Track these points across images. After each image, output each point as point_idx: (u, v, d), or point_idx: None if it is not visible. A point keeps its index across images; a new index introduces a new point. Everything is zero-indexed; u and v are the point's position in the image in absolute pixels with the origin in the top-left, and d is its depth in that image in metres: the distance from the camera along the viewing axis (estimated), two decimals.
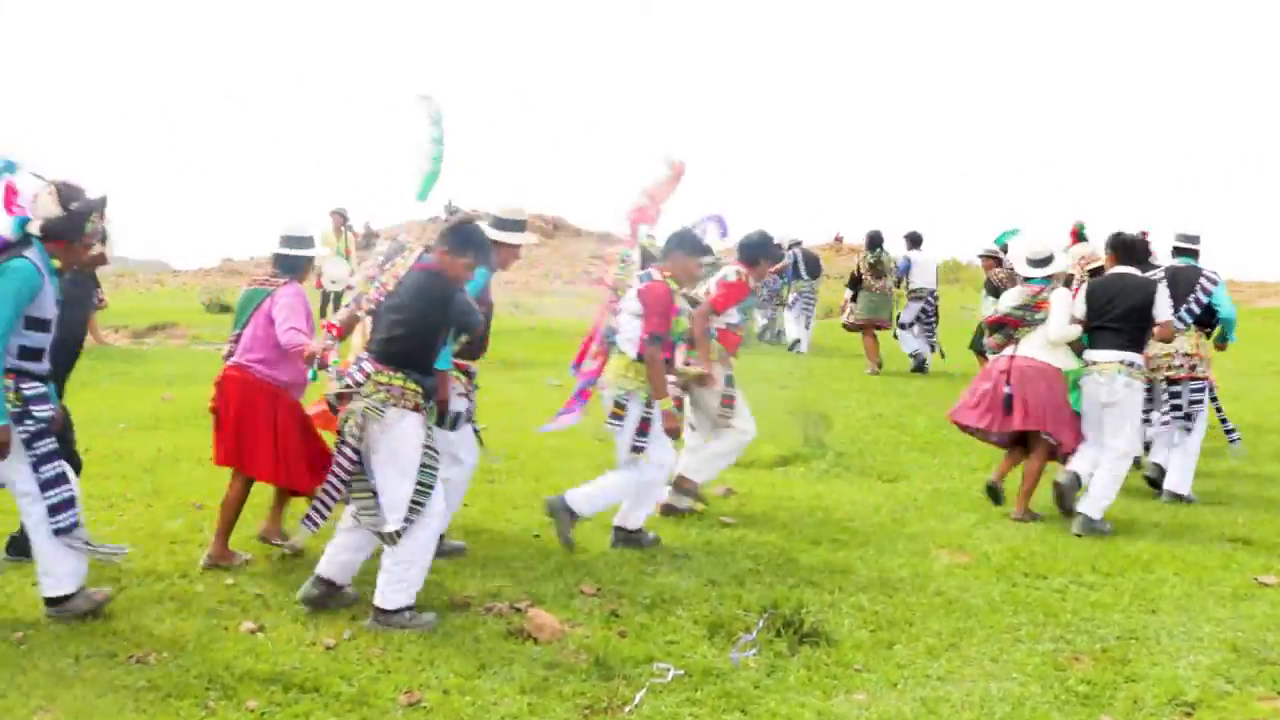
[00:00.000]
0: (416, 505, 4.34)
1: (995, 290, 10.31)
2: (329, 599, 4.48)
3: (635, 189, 6.18)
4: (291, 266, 5.32)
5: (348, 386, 4.34)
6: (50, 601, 4.25)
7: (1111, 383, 6.18)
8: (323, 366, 4.84)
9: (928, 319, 13.58)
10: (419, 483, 4.36)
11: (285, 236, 5.33)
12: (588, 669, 3.97)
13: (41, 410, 4.22)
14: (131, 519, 5.97)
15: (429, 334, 4.42)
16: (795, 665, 4.07)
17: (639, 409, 5.53)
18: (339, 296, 15.27)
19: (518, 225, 5.58)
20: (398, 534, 4.29)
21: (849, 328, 14.05)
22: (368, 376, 4.32)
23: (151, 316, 19.67)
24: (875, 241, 13.44)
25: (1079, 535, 6.07)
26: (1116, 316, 6.24)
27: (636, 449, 5.54)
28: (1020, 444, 6.76)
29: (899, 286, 13.79)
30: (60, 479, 4.26)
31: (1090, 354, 6.34)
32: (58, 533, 4.20)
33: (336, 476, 4.38)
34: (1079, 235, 9.21)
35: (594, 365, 5.87)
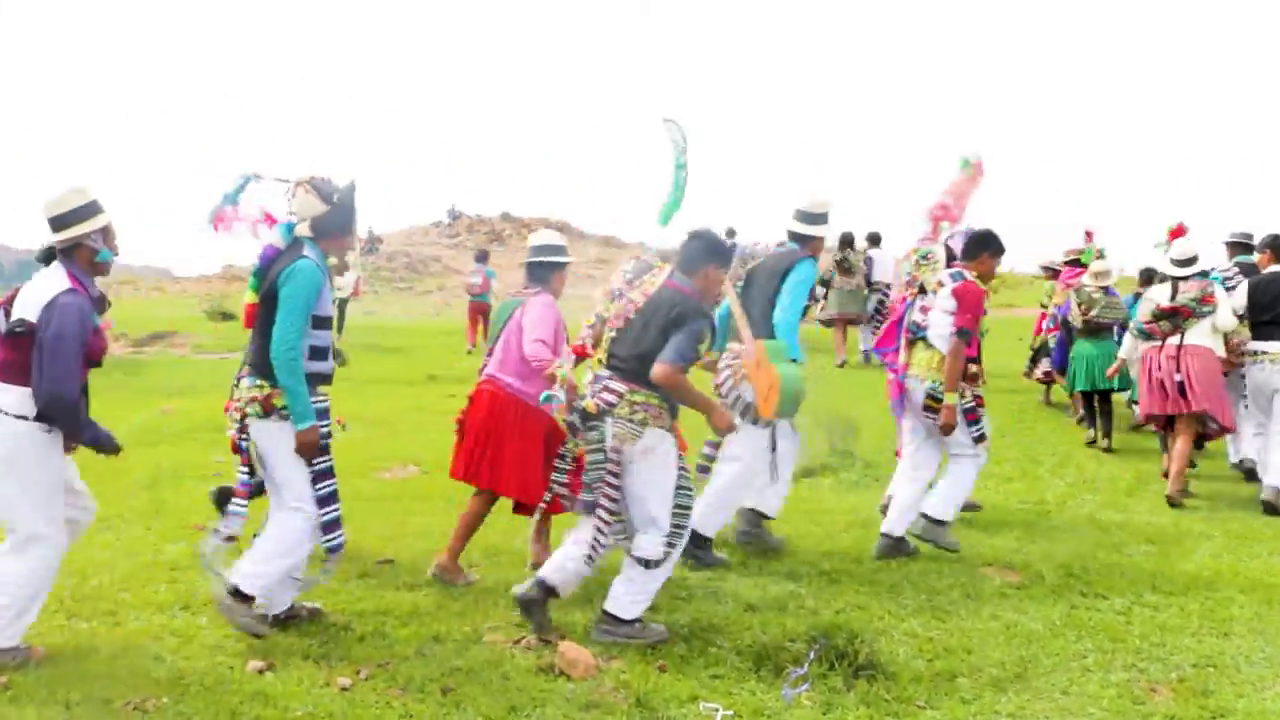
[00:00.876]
0: (678, 529, 4.30)
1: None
2: (542, 606, 4.27)
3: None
4: (542, 277, 5.14)
5: (584, 410, 4.24)
6: (238, 594, 4.08)
7: None
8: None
9: (881, 311, 13.61)
10: (678, 505, 4.30)
11: (536, 246, 5.23)
12: (629, 710, 3.63)
13: (324, 425, 4.22)
14: (130, 542, 5.65)
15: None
16: (853, 702, 3.73)
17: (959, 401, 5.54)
18: (344, 304, 15.03)
19: (821, 218, 5.65)
20: (658, 561, 4.23)
21: (823, 323, 14.43)
22: (620, 396, 4.20)
23: (151, 325, 19.38)
24: (845, 242, 13.92)
25: None
26: None
27: (979, 438, 5.66)
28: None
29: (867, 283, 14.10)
30: (333, 497, 4.25)
31: (1258, 344, 7.13)
32: (331, 550, 4.26)
33: (605, 509, 4.22)
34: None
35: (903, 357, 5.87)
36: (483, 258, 17.67)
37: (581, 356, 4.59)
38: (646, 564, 4.22)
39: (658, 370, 4.08)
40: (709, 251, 4.43)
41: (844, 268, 13.87)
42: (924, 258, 5.93)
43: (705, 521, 5.29)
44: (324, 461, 4.22)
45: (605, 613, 4.26)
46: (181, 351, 17.35)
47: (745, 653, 4.13)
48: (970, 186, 6.15)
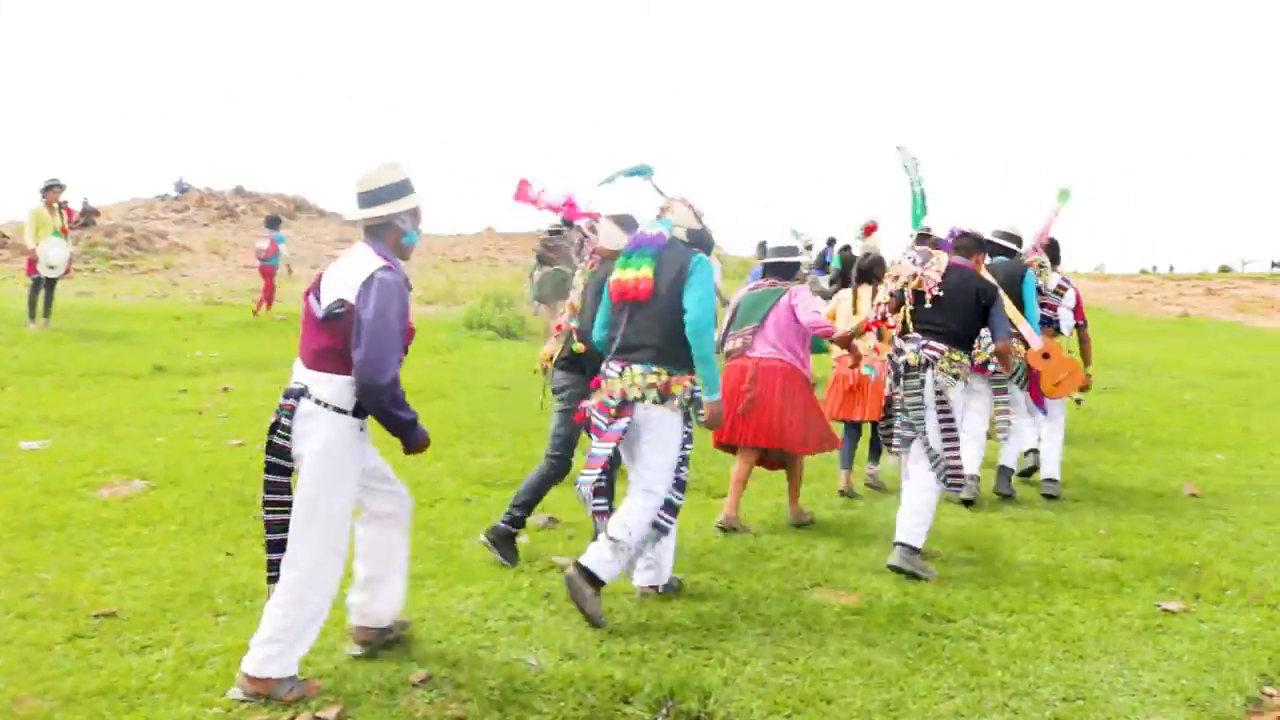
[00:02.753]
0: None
1: None
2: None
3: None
4: (785, 273, 6.26)
5: (906, 362, 5.42)
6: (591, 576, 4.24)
7: None
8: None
9: None
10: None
11: (776, 247, 6.38)
12: None
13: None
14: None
15: (974, 320, 5.59)
16: None
17: None
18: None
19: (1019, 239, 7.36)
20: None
21: None
22: (941, 354, 5.43)
23: None
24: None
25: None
26: None
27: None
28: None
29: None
30: (684, 485, 4.58)
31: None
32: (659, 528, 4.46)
33: (929, 441, 5.33)
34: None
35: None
36: (273, 223, 16.96)
37: (876, 328, 5.91)
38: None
39: (1001, 343, 5.75)
40: (979, 245, 6.02)
41: None
42: (1041, 266, 7.31)
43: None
44: (690, 449, 4.56)
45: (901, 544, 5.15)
46: None
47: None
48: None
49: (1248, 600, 4.94)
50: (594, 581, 4.21)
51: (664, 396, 4.33)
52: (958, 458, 5.34)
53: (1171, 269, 49.28)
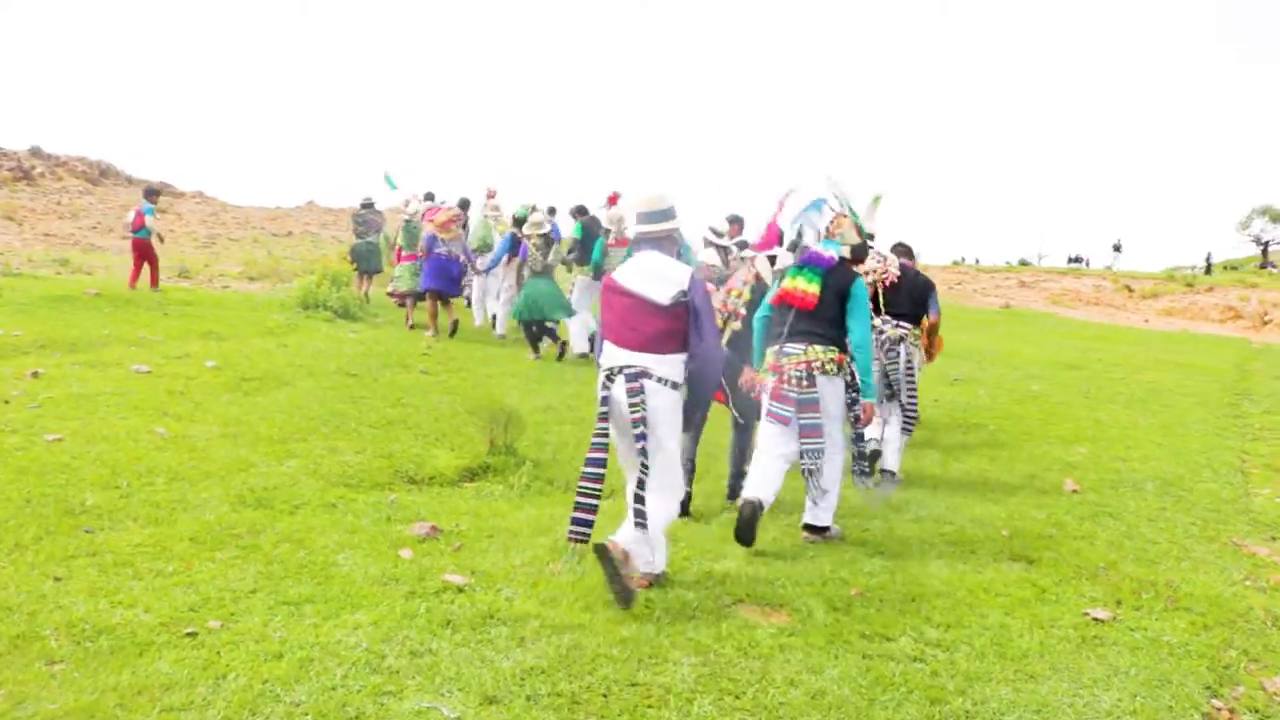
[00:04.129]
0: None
1: None
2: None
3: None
4: None
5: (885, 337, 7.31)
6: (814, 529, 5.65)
7: None
8: None
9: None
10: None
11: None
12: None
13: None
14: None
15: (923, 305, 7.52)
16: None
17: None
18: None
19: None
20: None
21: None
22: (909, 330, 7.41)
23: None
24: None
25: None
26: None
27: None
28: None
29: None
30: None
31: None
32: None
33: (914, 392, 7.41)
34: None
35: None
36: (148, 195, 15.42)
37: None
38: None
39: (937, 317, 7.57)
40: (910, 252, 7.74)
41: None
42: None
43: None
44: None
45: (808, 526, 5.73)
46: None
47: None
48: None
49: (1165, 605, 4.83)
50: (818, 530, 5.68)
51: (839, 368, 5.58)
52: (916, 407, 7.38)
53: (978, 262, 51.82)
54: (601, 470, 4.37)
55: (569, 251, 12.42)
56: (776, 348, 5.64)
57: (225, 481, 5.78)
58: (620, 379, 4.45)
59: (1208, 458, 8.75)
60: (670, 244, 4.73)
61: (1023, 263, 59.00)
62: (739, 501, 5.32)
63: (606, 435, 4.45)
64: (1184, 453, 8.93)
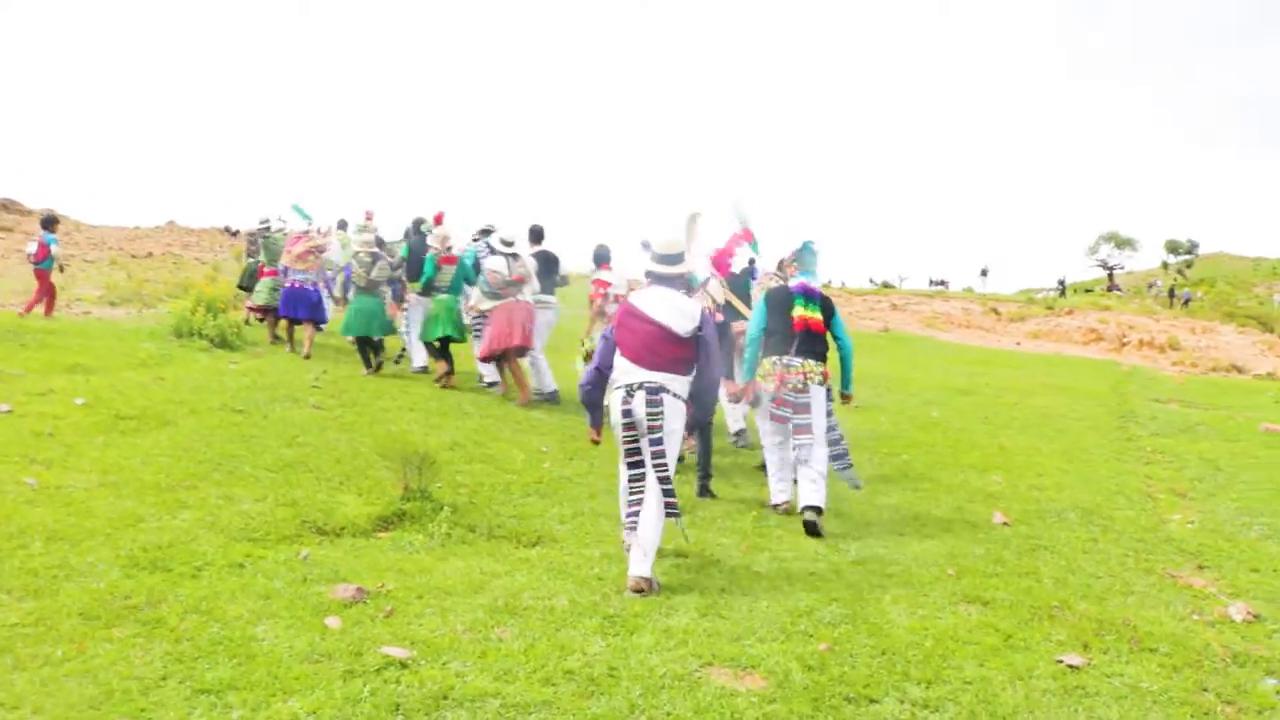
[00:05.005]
0: None
1: None
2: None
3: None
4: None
5: None
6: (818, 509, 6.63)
7: None
8: None
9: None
10: None
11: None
12: None
13: None
14: None
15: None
16: None
17: None
18: None
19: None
20: None
21: None
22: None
23: None
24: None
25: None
26: None
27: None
28: None
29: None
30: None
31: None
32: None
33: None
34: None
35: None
36: (47, 224, 15.22)
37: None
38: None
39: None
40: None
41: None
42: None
43: None
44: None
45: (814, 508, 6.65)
46: None
47: None
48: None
49: (1130, 647, 4.70)
50: (819, 510, 6.63)
51: (824, 381, 7.04)
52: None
53: (844, 284, 53.09)
54: (642, 470, 5.34)
55: (395, 269, 12.51)
56: (780, 360, 6.99)
57: (113, 540, 5.15)
58: (640, 393, 5.33)
59: (1117, 484, 8.86)
60: (680, 282, 5.67)
61: (885, 285, 60.70)
62: (779, 506, 7.13)
63: (637, 441, 5.34)
64: (1092, 479, 9.03)
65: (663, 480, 5.29)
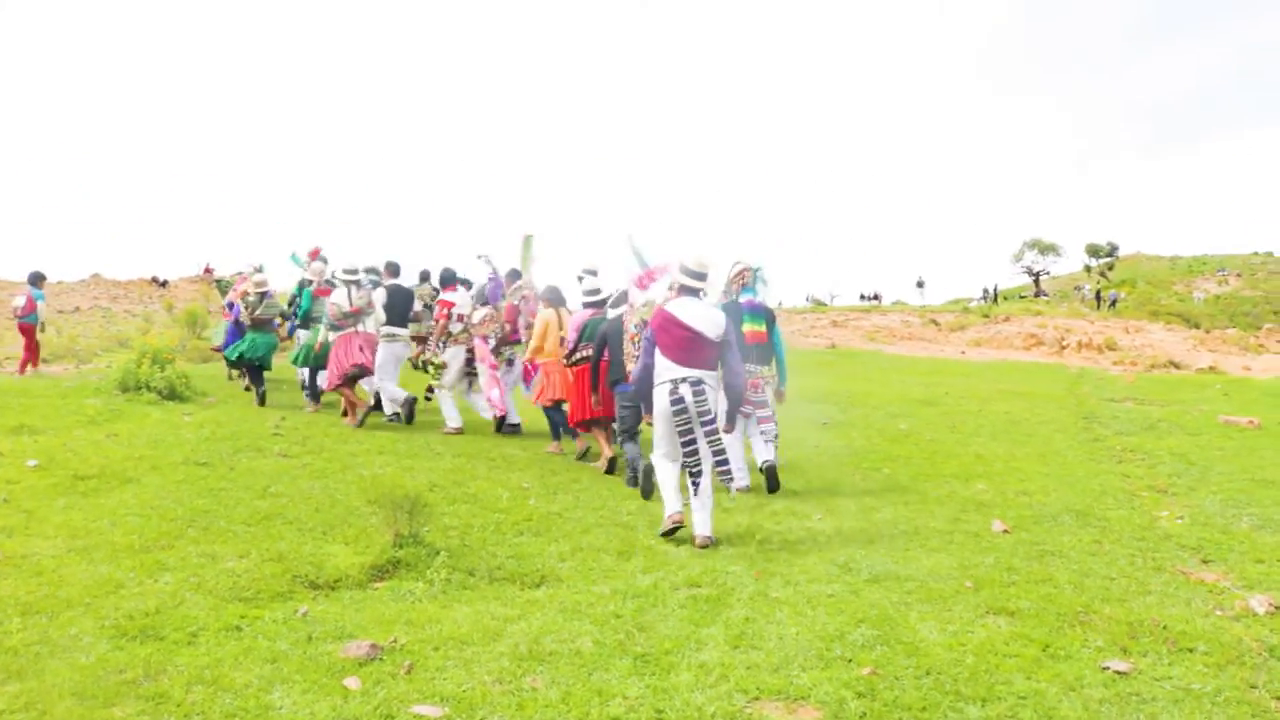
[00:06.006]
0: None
1: None
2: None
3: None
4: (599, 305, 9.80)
5: None
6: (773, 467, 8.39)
7: None
8: None
9: None
10: None
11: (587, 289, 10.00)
12: None
13: None
14: None
15: None
16: None
17: None
18: None
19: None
20: None
21: None
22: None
23: None
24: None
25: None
26: None
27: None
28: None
29: None
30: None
31: None
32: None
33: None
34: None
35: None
36: (35, 280, 16.38)
37: None
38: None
39: None
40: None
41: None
42: None
43: None
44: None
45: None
46: None
47: None
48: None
49: (1168, 648, 4.61)
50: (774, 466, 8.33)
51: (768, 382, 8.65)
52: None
53: (781, 304, 53.52)
54: (695, 447, 6.57)
55: (289, 304, 13.76)
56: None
57: (94, 610, 4.80)
58: (685, 385, 6.57)
59: (1099, 484, 8.87)
60: (701, 294, 6.81)
61: (818, 303, 61.25)
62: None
63: (690, 423, 6.54)
64: (1074, 481, 9.03)
65: (717, 453, 6.55)
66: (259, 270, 14.24)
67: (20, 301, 15.96)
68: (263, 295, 12.88)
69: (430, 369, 11.45)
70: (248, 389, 13.56)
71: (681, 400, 6.50)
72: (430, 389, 12.57)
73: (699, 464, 6.52)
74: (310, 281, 13.17)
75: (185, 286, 43.94)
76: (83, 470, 7.74)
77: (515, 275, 11.61)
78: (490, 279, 11.78)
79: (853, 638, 4.69)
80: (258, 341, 12.86)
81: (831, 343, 28.61)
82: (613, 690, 3.98)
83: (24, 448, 8.52)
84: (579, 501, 7.97)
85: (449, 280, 11.76)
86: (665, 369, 6.63)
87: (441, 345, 11.52)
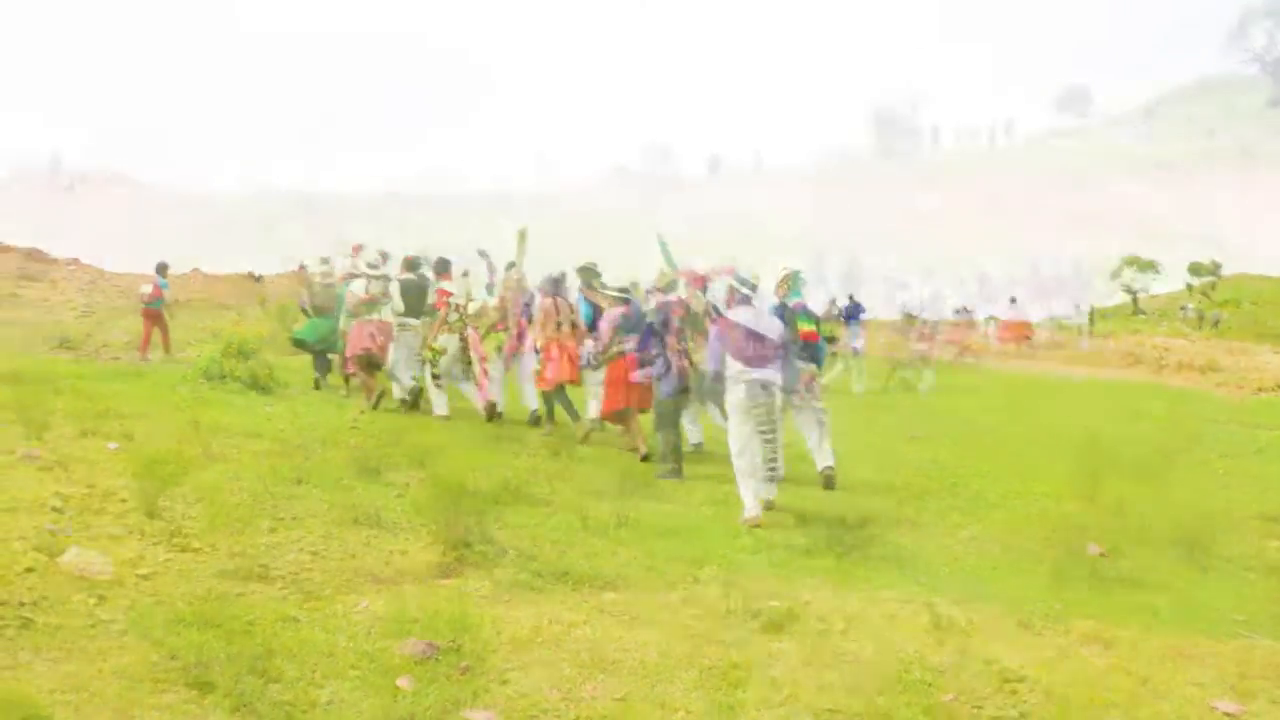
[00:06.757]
0: None
1: None
2: None
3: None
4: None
5: None
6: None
7: None
8: None
9: None
10: None
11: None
12: None
13: None
14: None
15: None
16: None
17: None
18: None
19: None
20: None
21: None
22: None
23: None
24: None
25: None
26: None
27: None
28: None
29: None
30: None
31: None
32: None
33: None
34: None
35: None
36: (161, 269, 18.02)
37: None
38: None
39: None
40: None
41: None
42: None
43: None
44: None
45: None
46: None
47: None
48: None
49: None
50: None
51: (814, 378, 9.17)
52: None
53: (874, 315, 52.56)
54: (774, 436, 7.41)
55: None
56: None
57: (152, 593, 4.75)
58: (759, 384, 7.32)
59: (1202, 509, 8.35)
60: (754, 302, 7.69)
61: (909, 316, 60.11)
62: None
63: (771, 415, 7.36)
64: (1173, 505, 8.52)
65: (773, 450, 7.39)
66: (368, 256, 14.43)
67: (148, 289, 17.31)
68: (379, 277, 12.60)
69: (430, 353, 11.74)
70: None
71: (767, 392, 7.32)
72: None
73: (775, 456, 7.33)
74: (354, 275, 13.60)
75: (278, 282, 44.93)
76: (160, 455, 7.79)
77: (510, 269, 12.08)
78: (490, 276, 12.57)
79: (934, 661, 4.42)
80: (319, 326, 13.65)
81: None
82: (675, 703, 3.78)
83: (109, 429, 8.65)
84: (654, 507, 7.77)
85: (444, 269, 12.02)
86: (740, 370, 7.35)
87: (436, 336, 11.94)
